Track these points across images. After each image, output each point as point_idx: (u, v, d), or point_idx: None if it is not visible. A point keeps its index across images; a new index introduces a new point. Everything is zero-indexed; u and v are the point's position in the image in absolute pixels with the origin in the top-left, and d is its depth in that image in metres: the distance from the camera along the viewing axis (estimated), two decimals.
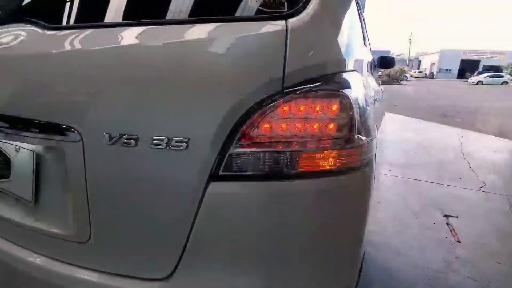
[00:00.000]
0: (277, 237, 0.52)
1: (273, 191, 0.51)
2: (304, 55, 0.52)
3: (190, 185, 0.50)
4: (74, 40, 0.58)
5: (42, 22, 0.63)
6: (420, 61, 54.89)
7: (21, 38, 0.64)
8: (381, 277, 1.39)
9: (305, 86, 0.50)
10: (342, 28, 0.66)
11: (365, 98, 0.62)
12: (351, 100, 0.53)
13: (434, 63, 46.81)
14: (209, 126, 0.48)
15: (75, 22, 0.66)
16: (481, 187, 2.45)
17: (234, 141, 0.49)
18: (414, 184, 2.53)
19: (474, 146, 3.70)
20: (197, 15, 0.59)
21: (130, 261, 0.56)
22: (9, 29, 0.68)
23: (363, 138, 0.55)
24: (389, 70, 24.21)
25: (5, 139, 0.63)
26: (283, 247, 0.52)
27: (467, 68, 41.57)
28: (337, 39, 0.62)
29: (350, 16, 0.82)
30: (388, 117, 5.90)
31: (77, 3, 0.70)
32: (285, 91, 0.49)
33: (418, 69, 49.14)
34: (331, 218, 0.53)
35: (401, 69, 24.77)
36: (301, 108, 0.51)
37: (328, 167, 0.52)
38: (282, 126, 0.50)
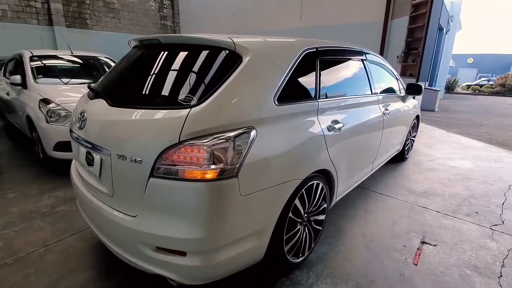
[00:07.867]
0: (176, 202, 1.18)
1: (173, 184, 1.16)
2: (193, 126, 1.15)
3: (142, 178, 1.20)
4: (113, 113, 1.40)
5: (108, 100, 1.47)
6: None
7: (101, 106, 1.49)
8: (316, 271, 1.77)
9: (190, 141, 1.14)
10: (237, 106, 1.26)
11: (237, 144, 1.19)
12: (213, 149, 1.13)
13: None
14: (149, 154, 1.18)
15: (115, 103, 1.47)
16: (494, 225, 2.30)
17: (158, 161, 1.17)
18: (418, 211, 2.52)
19: None
20: (152, 104, 1.33)
21: (123, 206, 1.32)
22: (95, 101, 1.57)
23: (220, 165, 1.15)
24: (504, 79, 19.47)
25: (92, 151, 1.47)
26: (180, 208, 1.18)
27: None
28: (226, 115, 1.22)
29: (261, 93, 1.38)
30: (451, 139, 5.33)
31: (116, 96, 1.55)
32: (180, 142, 1.14)
33: None
34: (200, 199, 1.15)
35: None
36: (187, 150, 1.15)
37: (199, 177, 1.14)
38: (178, 157, 1.16)
